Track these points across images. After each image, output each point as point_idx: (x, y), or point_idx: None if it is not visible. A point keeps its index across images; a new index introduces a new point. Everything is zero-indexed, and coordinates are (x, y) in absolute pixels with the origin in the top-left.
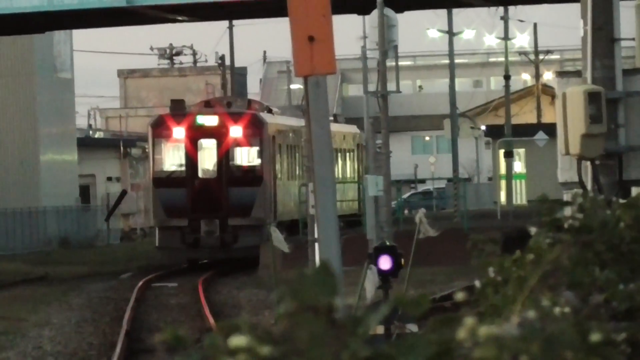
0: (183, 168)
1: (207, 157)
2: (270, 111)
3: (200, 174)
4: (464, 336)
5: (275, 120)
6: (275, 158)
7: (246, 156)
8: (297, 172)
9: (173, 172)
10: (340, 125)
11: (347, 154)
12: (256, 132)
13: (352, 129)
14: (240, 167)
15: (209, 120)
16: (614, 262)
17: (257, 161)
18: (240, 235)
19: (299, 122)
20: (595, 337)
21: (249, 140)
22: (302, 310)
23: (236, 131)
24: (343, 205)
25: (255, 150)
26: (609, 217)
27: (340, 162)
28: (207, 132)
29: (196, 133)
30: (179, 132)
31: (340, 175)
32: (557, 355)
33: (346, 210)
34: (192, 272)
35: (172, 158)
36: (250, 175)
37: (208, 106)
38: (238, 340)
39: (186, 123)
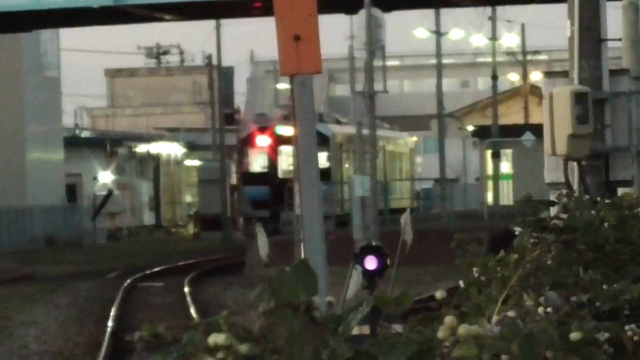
0: (266, 169)
1: (285, 161)
2: (339, 122)
3: (279, 175)
4: (444, 335)
5: (342, 130)
6: (342, 161)
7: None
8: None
9: (258, 172)
10: (396, 132)
11: (402, 157)
12: (325, 140)
13: (406, 135)
14: None
15: (287, 131)
16: (598, 262)
17: (326, 164)
18: None
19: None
20: (574, 335)
21: (319, 147)
22: (281, 308)
23: None
24: (403, 201)
25: (324, 154)
26: (593, 217)
27: (397, 163)
28: (286, 140)
29: (277, 141)
30: (262, 140)
31: (398, 175)
32: (537, 353)
33: (403, 205)
34: (179, 271)
35: (257, 161)
36: (320, 176)
37: (286, 119)
38: (217, 338)
39: (268, 133)
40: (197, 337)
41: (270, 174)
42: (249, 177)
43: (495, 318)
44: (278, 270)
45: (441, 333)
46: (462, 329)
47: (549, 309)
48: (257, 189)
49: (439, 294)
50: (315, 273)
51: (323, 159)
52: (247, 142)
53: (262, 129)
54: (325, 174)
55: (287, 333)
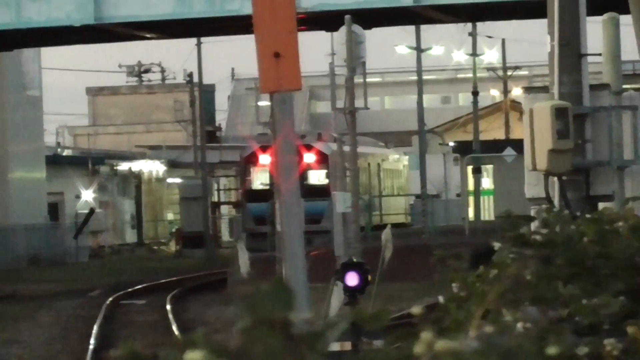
0: (268, 187)
1: None
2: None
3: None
4: (422, 350)
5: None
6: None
7: (317, 177)
8: (362, 189)
9: (260, 189)
10: (391, 150)
11: (396, 174)
12: (324, 158)
13: (400, 153)
14: (312, 186)
15: None
16: (578, 277)
17: (325, 181)
18: (313, 239)
19: (366, 149)
20: (551, 350)
21: (318, 165)
22: (258, 325)
23: (309, 158)
24: (399, 217)
25: (323, 172)
26: (573, 232)
27: (393, 180)
28: None
29: None
30: (264, 158)
31: (393, 191)
32: None
33: (398, 220)
34: (161, 289)
35: (259, 179)
36: (320, 192)
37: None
38: (193, 356)
39: (270, 151)
40: (174, 355)
41: (272, 191)
42: (251, 194)
43: (473, 333)
44: (255, 287)
45: (418, 348)
46: (440, 345)
47: (528, 324)
48: (260, 205)
49: (415, 310)
50: (292, 289)
51: (322, 176)
52: (249, 160)
53: (264, 148)
54: (324, 191)
55: (264, 350)
